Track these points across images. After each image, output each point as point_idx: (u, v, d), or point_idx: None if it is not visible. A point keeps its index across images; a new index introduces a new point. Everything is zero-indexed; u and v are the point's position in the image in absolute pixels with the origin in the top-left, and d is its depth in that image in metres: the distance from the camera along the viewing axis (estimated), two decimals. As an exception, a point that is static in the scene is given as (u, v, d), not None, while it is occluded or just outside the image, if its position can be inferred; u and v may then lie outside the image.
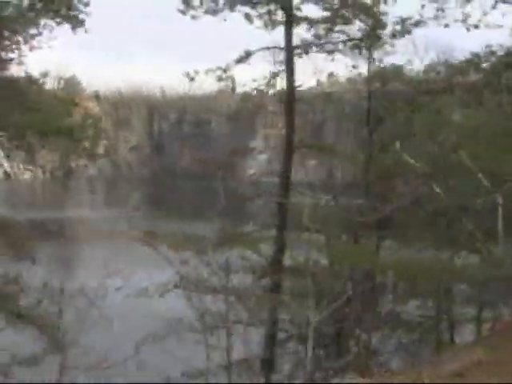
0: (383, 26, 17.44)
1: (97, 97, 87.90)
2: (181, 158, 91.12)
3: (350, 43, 17.60)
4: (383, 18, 17.56)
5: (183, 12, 16.13)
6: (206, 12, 16.36)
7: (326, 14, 18.23)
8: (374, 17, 17.51)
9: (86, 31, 17.07)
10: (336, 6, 18.04)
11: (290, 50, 17.55)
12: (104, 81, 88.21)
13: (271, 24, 18.58)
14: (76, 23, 17.01)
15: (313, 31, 18.14)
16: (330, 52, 17.86)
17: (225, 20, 16.83)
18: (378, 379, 14.06)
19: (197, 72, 17.69)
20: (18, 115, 17.33)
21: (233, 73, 17.66)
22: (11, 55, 17.39)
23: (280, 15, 18.58)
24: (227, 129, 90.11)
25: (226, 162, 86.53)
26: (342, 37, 17.79)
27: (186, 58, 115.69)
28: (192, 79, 17.72)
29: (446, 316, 20.10)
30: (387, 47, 17.78)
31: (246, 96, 20.02)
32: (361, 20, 17.74)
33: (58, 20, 17.05)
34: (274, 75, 17.80)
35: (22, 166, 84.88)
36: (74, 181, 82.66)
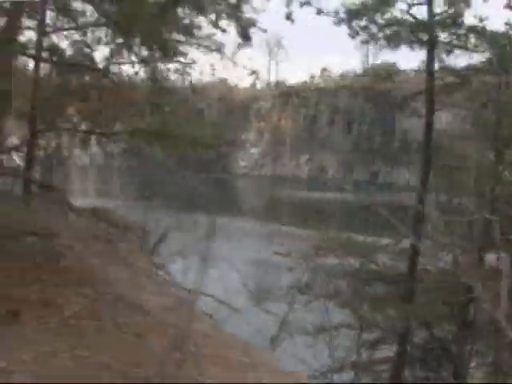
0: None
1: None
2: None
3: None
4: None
5: (352, 37, 17.12)
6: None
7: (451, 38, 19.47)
8: (502, 47, 18.72)
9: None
10: (462, 32, 19.28)
11: (431, 72, 18.68)
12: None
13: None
14: None
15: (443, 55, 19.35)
16: (465, 76, 19.07)
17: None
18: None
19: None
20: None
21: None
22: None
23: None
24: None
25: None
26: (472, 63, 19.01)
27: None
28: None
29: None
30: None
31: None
32: (488, 47, 18.99)
33: None
34: (414, 94, 19.03)
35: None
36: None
